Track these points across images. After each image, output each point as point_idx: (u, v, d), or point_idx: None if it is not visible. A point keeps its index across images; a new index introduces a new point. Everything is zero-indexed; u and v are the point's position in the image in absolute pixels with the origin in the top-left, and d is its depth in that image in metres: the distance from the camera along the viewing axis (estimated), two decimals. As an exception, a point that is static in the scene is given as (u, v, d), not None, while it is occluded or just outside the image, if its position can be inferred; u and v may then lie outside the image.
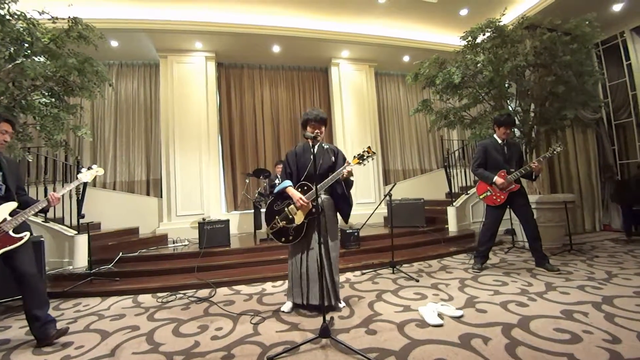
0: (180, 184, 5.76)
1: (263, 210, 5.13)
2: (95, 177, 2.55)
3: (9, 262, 2.08)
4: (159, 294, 3.14)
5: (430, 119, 5.20)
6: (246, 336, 2.11)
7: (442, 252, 4.23)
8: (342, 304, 2.54)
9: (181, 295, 3.08)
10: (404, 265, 3.84)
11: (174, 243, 4.90)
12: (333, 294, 2.45)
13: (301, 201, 2.41)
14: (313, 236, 2.47)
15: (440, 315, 2.23)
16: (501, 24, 4.39)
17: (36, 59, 3.37)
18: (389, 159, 7.59)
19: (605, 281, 2.85)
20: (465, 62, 4.51)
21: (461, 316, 2.24)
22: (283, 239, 2.52)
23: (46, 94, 3.66)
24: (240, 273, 3.58)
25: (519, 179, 3.32)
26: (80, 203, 3.92)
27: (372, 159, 2.48)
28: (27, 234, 2.14)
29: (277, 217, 2.53)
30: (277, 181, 2.82)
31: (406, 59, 6.95)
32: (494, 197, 3.37)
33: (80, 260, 3.83)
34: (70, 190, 3.61)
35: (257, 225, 5.27)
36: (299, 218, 2.45)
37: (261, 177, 5.23)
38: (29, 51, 3.35)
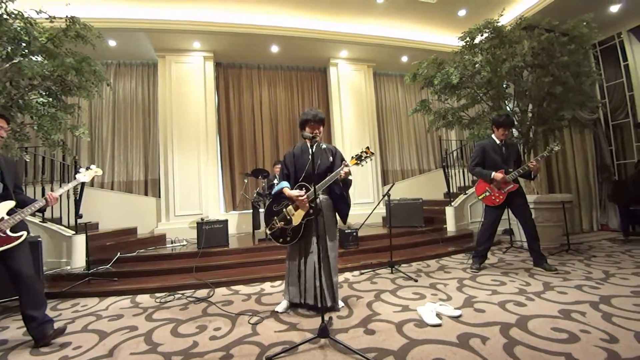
0: (178, 184, 5.75)
1: (261, 210, 5.15)
2: (93, 177, 2.54)
3: (5, 262, 2.07)
4: (157, 294, 3.13)
5: (429, 119, 5.20)
6: (245, 336, 2.11)
7: (440, 252, 4.23)
8: (340, 304, 2.54)
9: (179, 295, 3.08)
10: (403, 265, 3.85)
11: (172, 243, 4.89)
12: (331, 294, 2.44)
13: (300, 197, 2.40)
14: (311, 237, 2.47)
15: (438, 315, 2.23)
16: (499, 24, 4.40)
17: (34, 59, 3.35)
18: (388, 159, 7.60)
19: (603, 281, 2.86)
20: (464, 63, 4.52)
21: (459, 316, 2.24)
22: (281, 240, 2.51)
23: (44, 93, 3.65)
24: (238, 273, 3.58)
25: (517, 178, 3.34)
26: (78, 203, 3.90)
27: (371, 159, 2.47)
28: (25, 233, 2.13)
29: (275, 217, 2.53)
30: (275, 181, 2.82)
31: (405, 59, 6.96)
32: (493, 198, 3.38)
33: (78, 261, 3.82)
34: (68, 190, 3.58)
35: (256, 225, 5.27)
36: (296, 219, 2.45)
37: (260, 177, 5.22)
38: (26, 50, 3.33)
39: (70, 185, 2.40)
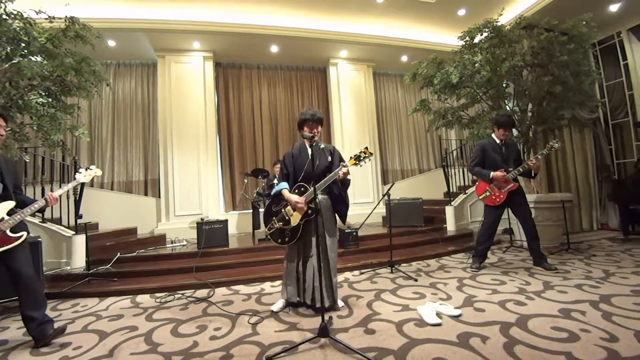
0: (178, 184, 5.75)
1: (261, 210, 5.14)
2: (93, 177, 2.54)
3: (5, 262, 2.07)
4: (158, 294, 3.13)
5: (429, 118, 5.20)
6: (245, 336, 2.11)
7: (440, 251, 4.23)
8: (341, 304, 2.53)
9: (179, 295, 3.08)
10: (403, 264, 3.85)
11: (172, 243, 4.89)
12: (330, 294, 2.44)
13: (299, 204, 2.40)
14: (310, 237, 2.46)
15: (438, 315, 2.24)
16: (499, 24, 4.40)
17: (33, 59, 3.34)
18: (387, 158, 7.60)
19: (603, 280, 2.86)
20: (463, 62, 4.52)
21: (459, 315, 2.24)
22: (279, 240, 2.51)
23: (43, 93, 3.65)
24: (238, 273, 3.58)
25: (516, 177, 3.34)
26: (77, 203, 3.91)
27: (369, 159, 2.47)
28: (25, 233, 2.13)
29: (274, 218, 2.53)
30: (275, 181, 2.81)
31: (404, 59, 6.96)
32: (493, 197, 3.38)
33: (78, 261, 3.82)
34: (68, 191, 3.59)
35: (256, 225, 5.27)
36: (295, 219, 2.45)
37: (259, 177, 5.23)
38: (25, 51, 3.32)
39: (70, 185, 2.40)
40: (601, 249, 4.14)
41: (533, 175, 3.41)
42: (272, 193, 2.63)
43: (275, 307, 2.54)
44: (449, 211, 5.27)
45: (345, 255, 4.05)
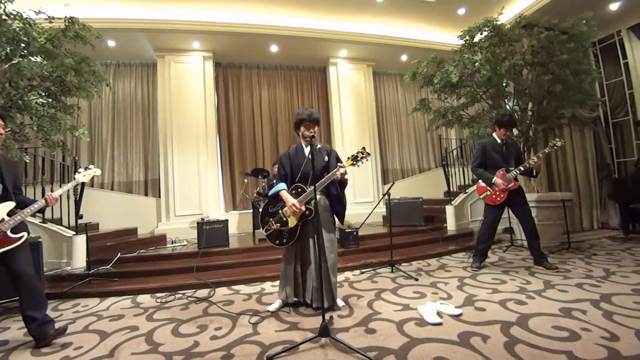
0: (178, 184, 5.75)
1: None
2: (93, 178, 2.55)
3: (6, 263, 2.07)
4: (158, 294, 3.13)
5: (429, 118, 5.20)
6: (245, 336, 2.11)
7: (440, 250, 4.23)
8: (341, 303, 2.53)
9: (180, 295, 3.08)
10: (403, 264, 3.85)
11: (172, 243, 4.90)
12: (329, 295, 2.43)
13: (294, 207, 2.38)
14: (308, 238, 2.46)
15: (439, 314, 2.24)
16: (498, 23, 4.40)
17: (33, 59, 3.34)
18: (388, 158, 7.59)
19: (603, 279, 2.86)
20: (463, 61, 4.51)
21: (460, 314, 2.24)
22: (277, 242, 2.49)
23: (43, 94, 3.64)
24: (239, 273, 3.58)
25: (516, 177, 3.34)
26: (78, 203, 3.90)
27: (367, 159, 2.46)
28: (25, 234, 2.13)
29: (271, 219, 2.51)
30: (275, 181, 2.81)
31: (404, 58, 6.96)
32: (494, 196, 3.38)
33: (79, 261, 3.82)
34: (68, 191, 3.59)
35: (256, 225, 5.27)
36: (292, 220, 2.44)
37: (260, 177, 5.22)
38: (25, 51, 3.32)
39: (70, 185, 2.40)
40: (602, 248, 4.14)
41: (534, 174, 3.41)
42: (269, 194, 2.61)
43: (272, 308, 2.53)
44: (449, 210, 5.27)
45: (345, 255, 4.05)
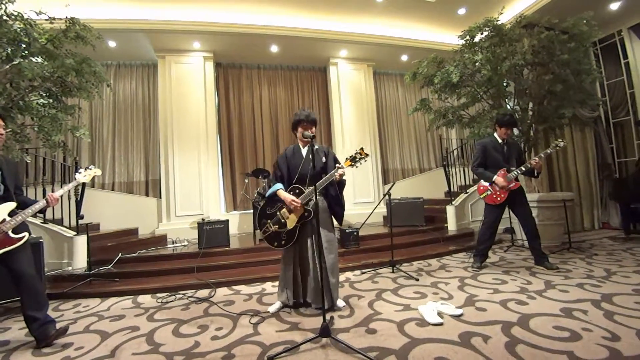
0: (179, 184, 5.75)
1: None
2: (93, 178, 2.55)
3: (7, 263, 2.07)
4: (159, 295, 3.14)
5: (429, 118, 5.20)
6: (246, 336, 2.11)
7: (441, 251, 4.23)
8: (342, 304, 2.53)
9: (181, 295, 3.08)
10: (404, 264, 3.85)
11: (173, 243, 4.90)
12: (329, 296, 2.42)
13: (294, 203, 2.38)
14: (307, 239, 2.46)
15: (440, 314, 2.23)
16: (499, 22, 4.39)
17: (34, 60, 3.35)
18: (388, 158, 7.59)
19: (604, 279, 2.86)
20: (464, 61, 4.51)
21: (461, 315, 2.24)
22: (275, 244, 2.47)
23: (44, 94, 3.65)
24: (239, 273, 3.58)
25: (517, 176, 3.33)
26: (79, 204, 3.91)
27: (365, 160, 2.46)
28: (26, 234, 2.14)
29: (269, 221, 2.48)
30: (272, 182, 2.80)
31: (404, 58, 6.95)
32: (494, 196, 3.38)
33: (80, 261, 3.82)
34: (69, 191, 3.60)
35: (257, 226, 5.27)
36: (291, 222, 2.42)
37: (260, 177, 5.23)
38: (26, 52, 3.33)
39: (71, 185, 2.41)
40: (602, 248, 4.14)
41: (536, 174, 3.40)
42: (267, 195, 2.57)
43: (272, 309, 2.53)
44: (450, 210, 5.26)
45: (346, 255, 4.05)
